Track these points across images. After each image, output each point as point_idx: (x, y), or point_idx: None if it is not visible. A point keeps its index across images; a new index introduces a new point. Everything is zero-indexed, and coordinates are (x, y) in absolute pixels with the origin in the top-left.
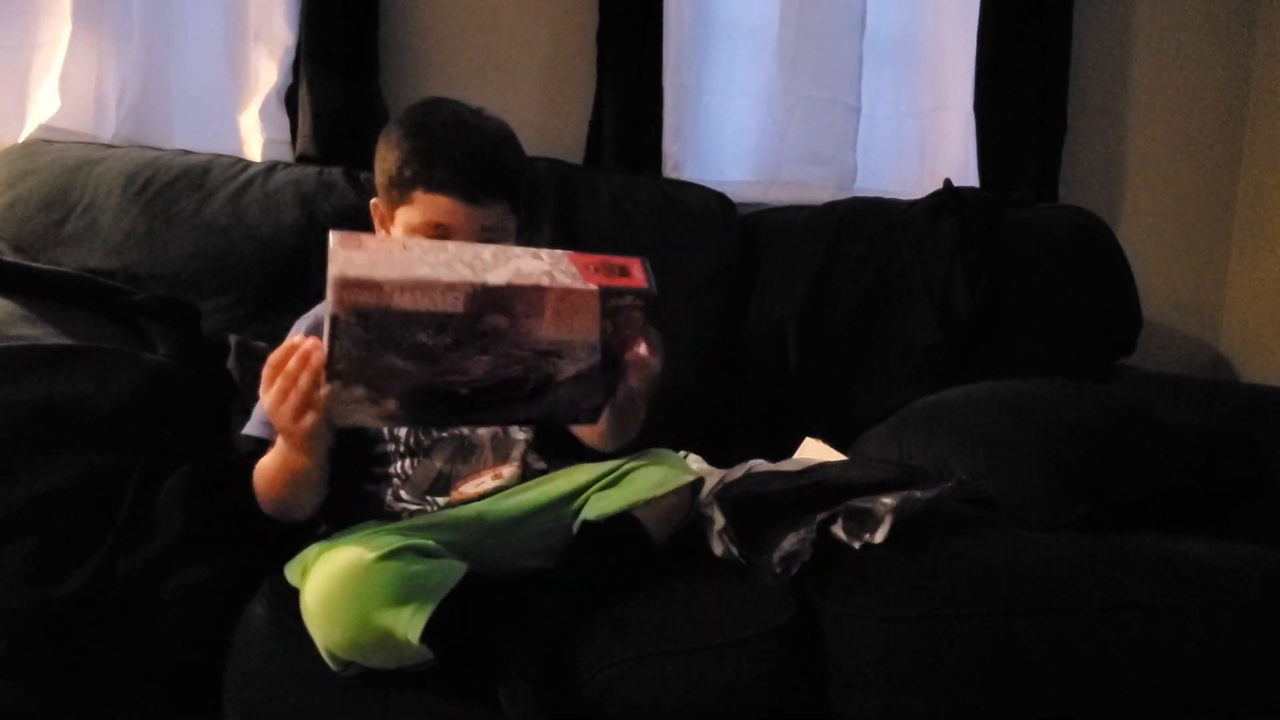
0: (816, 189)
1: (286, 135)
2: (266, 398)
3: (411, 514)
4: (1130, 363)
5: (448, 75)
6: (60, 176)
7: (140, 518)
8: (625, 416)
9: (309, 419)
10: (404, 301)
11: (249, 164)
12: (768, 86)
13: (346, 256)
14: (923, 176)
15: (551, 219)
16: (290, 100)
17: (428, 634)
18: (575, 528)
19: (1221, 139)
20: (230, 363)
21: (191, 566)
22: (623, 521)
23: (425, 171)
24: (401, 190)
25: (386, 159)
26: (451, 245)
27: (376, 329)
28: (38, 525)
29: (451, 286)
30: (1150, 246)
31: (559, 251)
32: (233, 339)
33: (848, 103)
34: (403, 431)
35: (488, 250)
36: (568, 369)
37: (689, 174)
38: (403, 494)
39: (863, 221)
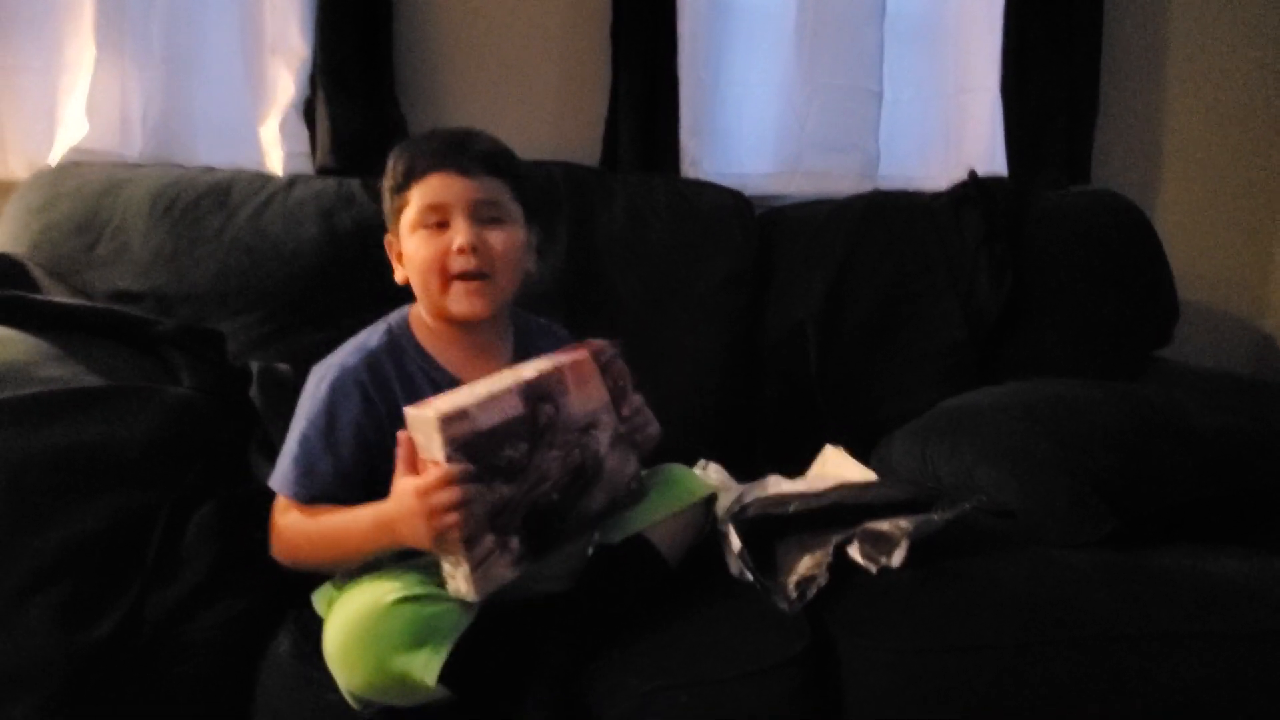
0: (838, 178)
1: (306, 148)
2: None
3: None
4: (1166, 355)
5: (463, 82)
6: (90, 199)
7: (168, 557)
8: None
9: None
10: (486, 418)
11: (270, 179)
12: (786, 75)
13: (429, 406)
14: (948, 161)
15: (567, 224)
16: (309, 112)
17: (444, 675)
18: (590, 551)
19: (1265, 114)
20: (253, 392)
21: (219, 604)
22: (636, 544)
23: (413, 163)
24: (401, 193)
25: (387, 184)
26: (485, 379)
27: (478, 456)
28: (69, 571)
29: (508, 390)
30: (1188, 231)
31: (540, 359)
32: (255, 366)
33: (869, 88)
34: None
35: (508, 371)
36: (603, 438)
37: (707, 168)
38: None
39: (883, 216)
